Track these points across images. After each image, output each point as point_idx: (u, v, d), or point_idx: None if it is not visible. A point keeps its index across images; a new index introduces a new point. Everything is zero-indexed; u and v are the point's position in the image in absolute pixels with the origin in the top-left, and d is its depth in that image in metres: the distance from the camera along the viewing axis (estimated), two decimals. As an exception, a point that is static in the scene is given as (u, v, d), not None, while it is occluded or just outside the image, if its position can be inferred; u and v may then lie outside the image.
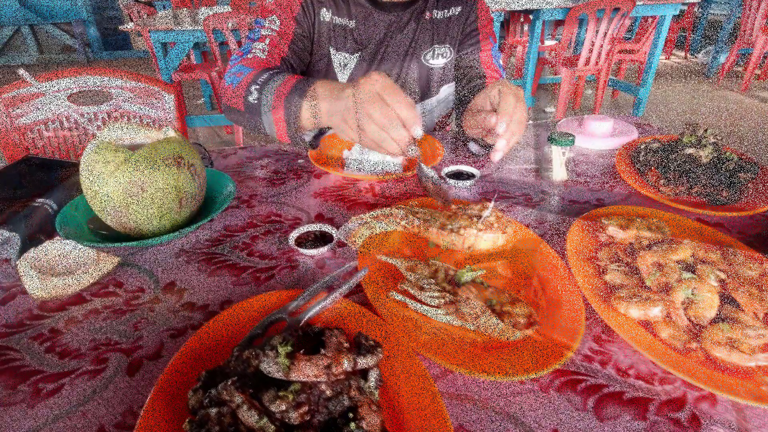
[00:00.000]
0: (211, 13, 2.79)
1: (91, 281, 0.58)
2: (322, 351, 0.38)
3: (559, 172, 0.81)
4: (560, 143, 0.79)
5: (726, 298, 0.49)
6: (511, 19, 4.59)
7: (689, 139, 0.81)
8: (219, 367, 0.40)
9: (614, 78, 4.28)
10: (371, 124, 0.62)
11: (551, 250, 0.60)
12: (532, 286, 0.56)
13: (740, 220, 0.70)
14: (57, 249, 0.60)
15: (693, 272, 0.52)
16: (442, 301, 0.48)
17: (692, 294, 0.48)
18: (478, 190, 0.81)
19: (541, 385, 0.44)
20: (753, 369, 0.42)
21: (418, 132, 0.63)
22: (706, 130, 0.81)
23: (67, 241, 0.60)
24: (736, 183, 0.73)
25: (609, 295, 0.51)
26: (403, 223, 0.64)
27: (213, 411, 0.35)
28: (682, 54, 6.08)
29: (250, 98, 0.78)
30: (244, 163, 0.94)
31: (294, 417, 0.35)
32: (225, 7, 3.90)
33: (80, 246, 0.60)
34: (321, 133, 0.86)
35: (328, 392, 0.36)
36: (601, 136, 0.97)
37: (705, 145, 0.77)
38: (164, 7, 4.47)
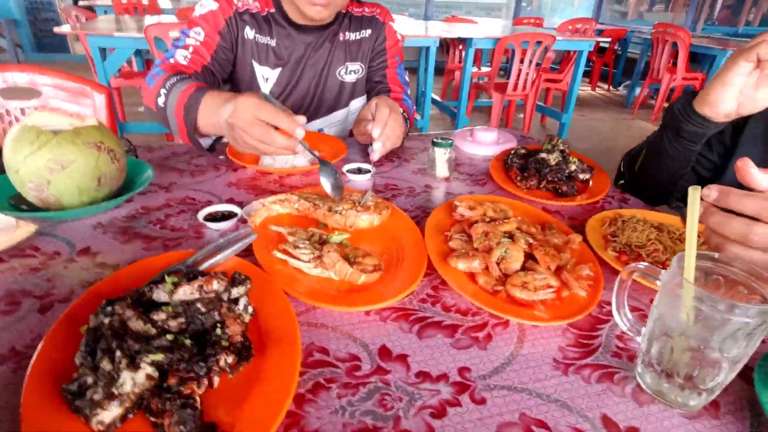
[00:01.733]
0: (155, 21, 2.83)
1: (9, 245, 0.65)
2: (200, 278, 0.49)
3: (441, 170, 0.97)
4: (441, 145, 0.94)
5: (531, 257, 0.65)
6: (451, 46, 4.91)
7: (547, 146, 0.99)
8: (118, 298, 0.50)
9: (542, 104, 4.67)
10: (255, 141, 0.74)
11: (415, 226, 0.74)
12: (395, 251, 0.69)
13: (574, 209, 0.88)
14: (-21, 217, 0.67)
15: (512, 239, 0.67)
16: (312, 256, 0.61)
17: (505, 252, 0.64)
18: (373, 183, 0.95)
19: (381, 317, 0.57)
20: (534, 302, 0.57)
21: (300, 133, 0.76)
22: (558, 140, 0.99)
23: (-11, 211, 0.68)
24: (573, 180, 0.92)
25: (448, 255, 0.66)
26: (296, 206, 0.76)
27: (106, 319, 0.45)
28: (606, 87, 6.70)
29: (159, 101, 0.89)
30: (169, 157, 1.03)
31: (173, 325, 0.46)
32: (171, 16, 3.92)
33: (1, 215, 0.67)
34: (220, 138, 0.97)
35: (203, 309, 0.47)
36: (486, 144, 1.15)
37: (554, 151, 0.96)
38: (105, 12, 4.42)
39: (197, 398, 0.40)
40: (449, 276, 0.61)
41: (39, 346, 0.46)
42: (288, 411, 0.43)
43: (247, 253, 0.66)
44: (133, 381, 0.40)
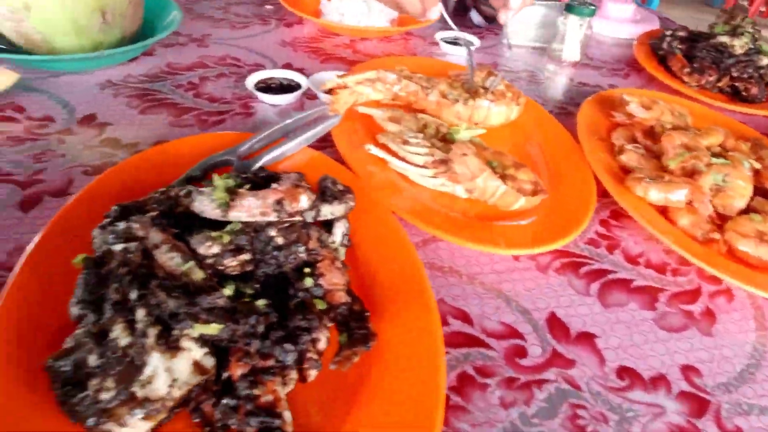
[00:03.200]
0: None
1: (-18, 101, 0.45)
2: (274, 185, 0.28)
3: (571, 50, 0.70)
4: (579, 12, 0.66)
5: (757, 190, 0.43)
6: None
7: (723, 27, 0.70)
8: (136, 203, 0.30)
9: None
10: None
11: (562, 128, 0.51)
12: (539, 163, 0.47)
13: (759, 120, 0.63)
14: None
15: (724, 159, 0.44)
16: (431, 158, 0.39)
17: (723, 181, 0.41)
18: (476, 62, 0.69)
19: (538, 264, 0.37)
20: (780, 265, 0.37)
21: None
22: (744, 18, 0.70)
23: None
24: (763, 80, 0.65)
25: (623, 176, 0.44)
26: (395, 89, 0.51)
27: (118, 247, 0.25)
28: (689, -22, 5.74)
29: None
30: (199, 0, 0.77)
31: (231, 265, 0.26)
32: None
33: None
34: None
35: (280, 240, 0.27)
36: (619, 20, 0.85)
37: (741, 34, 0.67)
38: None
39: (284, 412, 0.22)
40: (636, 209, 0.40)
41: (14, 270, 0.27)
42: (425, 426, 0.26)
43: (322, 144, 0.45)
44: (169, 374, 0.21)
